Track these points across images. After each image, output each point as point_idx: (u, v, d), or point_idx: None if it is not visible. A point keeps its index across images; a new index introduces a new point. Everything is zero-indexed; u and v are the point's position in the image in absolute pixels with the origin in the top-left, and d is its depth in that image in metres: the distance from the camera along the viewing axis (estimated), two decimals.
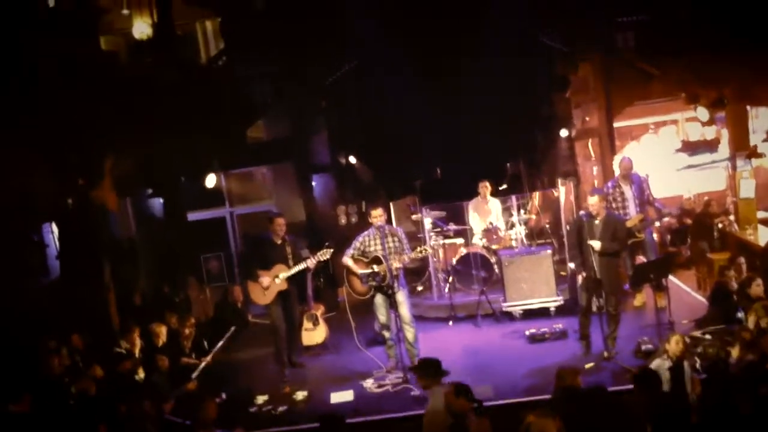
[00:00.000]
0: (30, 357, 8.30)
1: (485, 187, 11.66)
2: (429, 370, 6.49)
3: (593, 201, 8.49)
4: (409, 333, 8.84)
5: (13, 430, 6.83)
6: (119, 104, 9.83)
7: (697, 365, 7.63)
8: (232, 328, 9.86)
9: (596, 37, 12.31)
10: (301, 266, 9.18)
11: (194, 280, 12.76)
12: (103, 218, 10.84)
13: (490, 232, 11.33)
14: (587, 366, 8.15)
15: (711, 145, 13.71)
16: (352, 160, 13.13)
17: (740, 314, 8.43)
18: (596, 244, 8.28)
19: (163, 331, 9.26)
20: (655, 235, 11.27)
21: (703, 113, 11.64)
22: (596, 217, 8.41)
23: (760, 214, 12.15)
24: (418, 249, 8.93)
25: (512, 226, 11.42)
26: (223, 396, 8.55)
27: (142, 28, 11.84)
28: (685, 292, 10.84)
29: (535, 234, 12.02)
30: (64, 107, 9.25)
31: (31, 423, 6.86)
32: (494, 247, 11.24)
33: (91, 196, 10.36)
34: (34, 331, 8.96)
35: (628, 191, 10.07)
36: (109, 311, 10.35)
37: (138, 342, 9.00)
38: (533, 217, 12.22)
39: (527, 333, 9.58)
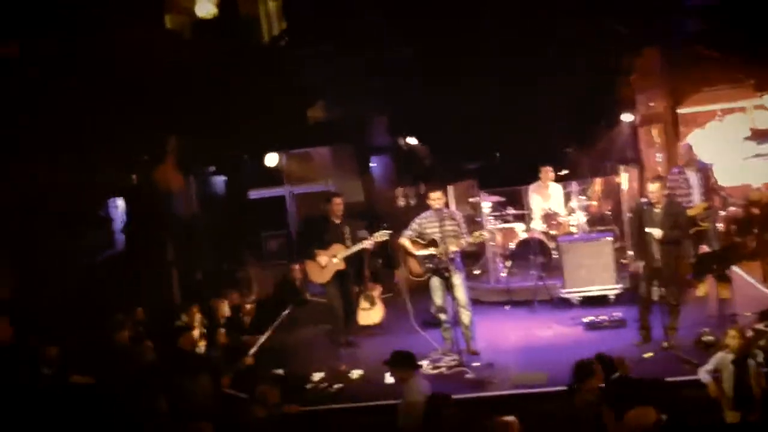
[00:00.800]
0: (96, 329, 8.56)
1: (547, 171, 11.55)
2: (403, 362, 6.52)
3: (653, 188, 8.34)
4: (465, 316, 8.84)
5: (75, 400, 7.04)
6: (182, 83, 9.99)
7: (761, 358, 7.45)
8: (290, 306, 10.00)
9: (662, 21, 12.03)
10: (359, 246, 9.26)
11: (253, 258, 12.96)
12: (166, 195, 11.07)
13: (549, 218, 11.23)
14: (646, 355, 8.05)
15: None
16: (412, 141, 13.13)
17: None
18: (656, 232, 8.15)
19: (224, 307, 9.44)
20: (720, 225, 11.02)
21: None
22: (657, 204, 8.27)
23: None
24: (476, 233, 8.88)
25: (572, 211, 11.29)
26: (281, 372, 8.68)
27: (205, 7, 11.97)
28: (750, 283, 10.57)
29: (595, 220, 11.85)
30: (129, 84, 9.44)
31: (94, 394, 7.07)
32: (553, 232, 11.13)
33: (155, 174, 10.58)
34: (98, 304, 9.22)
35: (693, 178, 9.85)
36: (171, 286, 10.60)
37: (198, 317, 9.18)
38: (594, 203, 12.04)
39: (585, 320, 9.48)
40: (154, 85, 9.74)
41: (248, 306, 9.77)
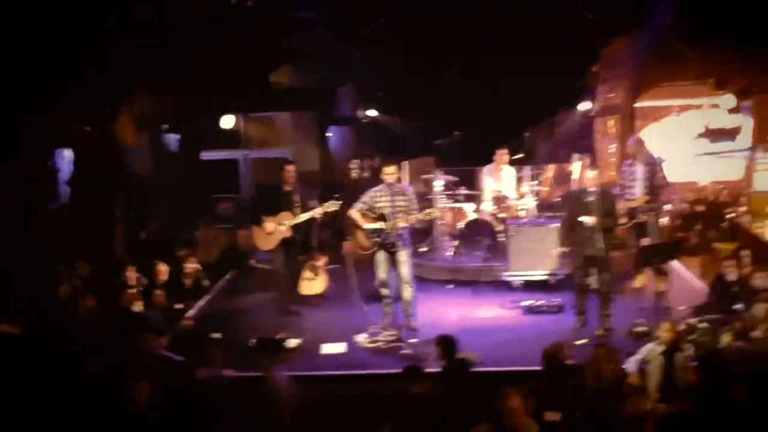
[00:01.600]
0: (33, 281, 8.45)
1: (502, 154, 11.60)
2: (270, 350, 6.58)
3: (590, 176, 8.47)
4: (408, 292, 8.88)
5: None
6: (143, 37, 9.81)
7: (690, 352, 7.63)
8: (235, 271, 9.96)
9: (635, 10, 12.05)
10: (307, 215, 9.22)
11: (205, 220, 12.86)
12: (119, 150, 10.90)
13: (500, 200, 11.32)
14: (579, 342, 8.16)
15: (731, 134, 13.54)
16: (372, 113, 13.07)
17: (738, 306, 8.40)
18: (589, 220, 8.27)
19: (164, 270, 9.37)
20: (665, 219, 11.20)
21: (729, 100, 11.45)
22: (592, 192, 8.39)
23: None
24: (427, 211, 8.89)
25: (523, 196, 11.38)
26: (218, 336, 8.65)
27: None
28: (687, 278, 10.79)
29: (544, 206, 11.98)
30: (91, 39, 9.25)
31: (22, 345, 6.99)
32: (502, 215, 11.23)
33: (111, 128, 10.40)
34: (40, 256, 9.09)
35: (640, 171, 9.98)
36: (114, 243, 10.48)
37: (135, 276, 9.10)
38: (545, 189, 12.17)
39: (525, 304, 9.62)
40: (114, 37, 9.55)
41: (189, 267, 9.69)
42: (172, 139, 13.46)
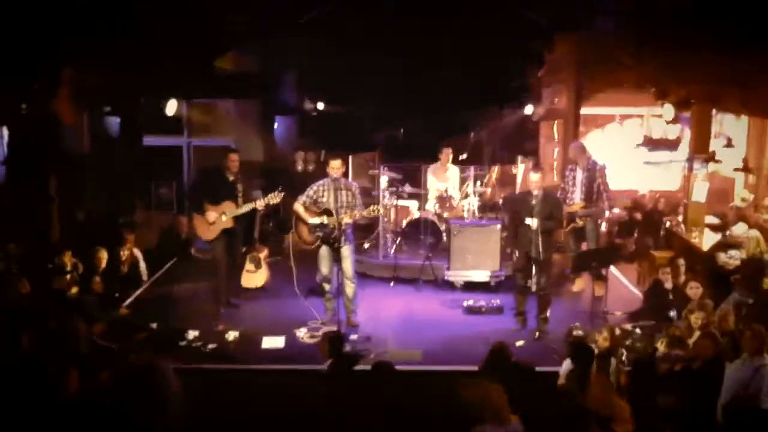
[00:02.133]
0: None
1: (447, 153, 11.65)
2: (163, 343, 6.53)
3: (535, 178, 8.56)
4: (349, 288, 8.86)
5: None
6: (85, 14, 9.51)
7: (624, 357, 7.78)
8: (173, 260, 9.77)
9: (578, 17, 12.20)
10: (249, 206, 9.06)
11: (141, 205, 12.59)
12: (56, 129, 10.57)
13: (443, 200, 11.36)
14: (518, 343, 8.26)
15: (671, 144, 13.87)
16: (319, 105, 12.97)
17: (673, 313, 8.61)
18: (533, 222, 8.36)
19: (102, 254, 9.14)
20: (603, 226, 11.40)
21: (669, 111, 11.68)
22: (535, 195, 8.48)
23: (708, 219, 12.37)
24: (371, 208, 8.87)
25: (466, 196, 11.45)
26: (154, 326, 8.49)
27: None
28: (624, 284, 11.04)
29: (487, 207, 12.07)
30: (27, 9, 8.93)
31: None
32: (446, 215, 11.27)
33: (47, 105, 10.07)
34: None
35: (579, 176, 10.12)
36: (50, 224, 10.18)
37: (71, 260, 8.85)
38: (489, 190, 12.26)
39: (465, 304, 9.67)
40: (53, 12, 9.24)
41: (125, 253, 9.47)
42: (113, 121, 13.11)
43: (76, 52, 9.89)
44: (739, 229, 9.94)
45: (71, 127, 11.38)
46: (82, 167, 12.29)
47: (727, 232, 10.56)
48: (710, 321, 7.45)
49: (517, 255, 8.81)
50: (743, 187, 13.41)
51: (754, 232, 9.41)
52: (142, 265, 10.22)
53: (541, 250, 8.38)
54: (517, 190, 11.73)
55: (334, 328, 8.54)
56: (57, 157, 10.75)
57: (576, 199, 10.03)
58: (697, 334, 7.29)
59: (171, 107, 12.03)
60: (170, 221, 12.29)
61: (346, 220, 8.64)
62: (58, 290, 8.35)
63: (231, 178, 9.24)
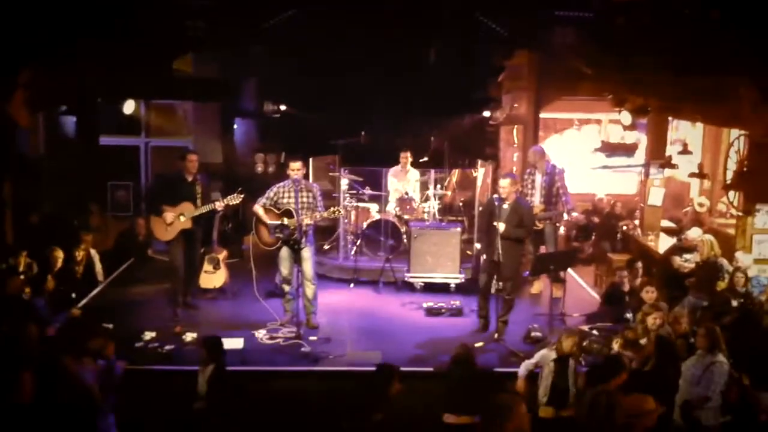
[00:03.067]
0: None
1: (406, 157, 11.70)
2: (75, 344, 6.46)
3: (504, 184, 8.60)
4: (309, 290, 8.82)
5: None
6: (41, 14, 9.35)
7: (581, 359, 7.84)
8: (130, 261, 9.63)
9: (536, 26, 12.33)
10: (208, 207, 8.98)
11: (97, 207, 12.39)
12: (10, 131, 10.35)
13: (404, 202, 11.38)
14: (477, 345, 8.30)
15: (629, 150, 14.05)
16: (277, 108, 12.92)
17: (629, 315, 8.71)
18: (501, 227, 8.40)
19: (57, 255, 8.97)
20: (562, 229, 11.52)
21: (626, 117, 11.85)
22: (506, 200, 8.53)
23: (664, 223, 12.58)
24: (332, 209, 8.86)
25: (427, 199, 11.48)
26: (109, 326, 8.34)
27: None
28: (581, 287, 11.16)
29: (447, 210, 12.13)
30: None
31: None
32: (406, 217, 11.29)
33: (2, 108, 9.86)
34: None
35: (539, 180, 10.22)
36: (3, 227, 9.96)
37: (25, 262, 8.68)
38: (449, 193, 12.32)
39: (424, 305, 9.70)
40: (9, 12, 9.06)
41: (80, 255, 9.31)
42: (69, 121, 12.90)
43: (32, 53, 9.70)
44: (694, 233, 10.10)
45: (26, 129, 11.14)
46: (37, 169, 12.05)
47: (682, 236, 10.73)
48: (664, 323, 7.54)
49: (484, 258, 8.83)
50: (698, 192, 13.67)
51: (709, 236, 9.56)
52: (98, 266, 10.09)
53: (501, 253, 8.41)
54: (476, 194, 11.78)
55: (294, 330, 8.50)
56: (11, 159, 10.53)
57: (535, 202, 10.13)
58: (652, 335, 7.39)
59: (128, 106, 11.90)
60: (127, 223, 12.11)
61: (307, 221, 8.61)
62: (9, 293, 8.16)
63: (189, 179, 9.15)
